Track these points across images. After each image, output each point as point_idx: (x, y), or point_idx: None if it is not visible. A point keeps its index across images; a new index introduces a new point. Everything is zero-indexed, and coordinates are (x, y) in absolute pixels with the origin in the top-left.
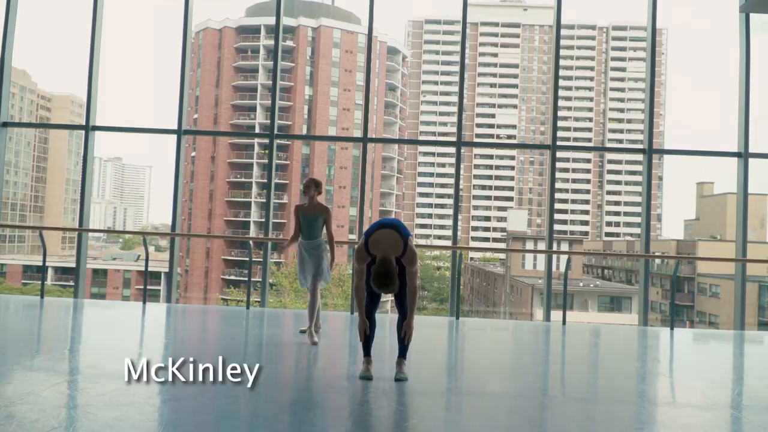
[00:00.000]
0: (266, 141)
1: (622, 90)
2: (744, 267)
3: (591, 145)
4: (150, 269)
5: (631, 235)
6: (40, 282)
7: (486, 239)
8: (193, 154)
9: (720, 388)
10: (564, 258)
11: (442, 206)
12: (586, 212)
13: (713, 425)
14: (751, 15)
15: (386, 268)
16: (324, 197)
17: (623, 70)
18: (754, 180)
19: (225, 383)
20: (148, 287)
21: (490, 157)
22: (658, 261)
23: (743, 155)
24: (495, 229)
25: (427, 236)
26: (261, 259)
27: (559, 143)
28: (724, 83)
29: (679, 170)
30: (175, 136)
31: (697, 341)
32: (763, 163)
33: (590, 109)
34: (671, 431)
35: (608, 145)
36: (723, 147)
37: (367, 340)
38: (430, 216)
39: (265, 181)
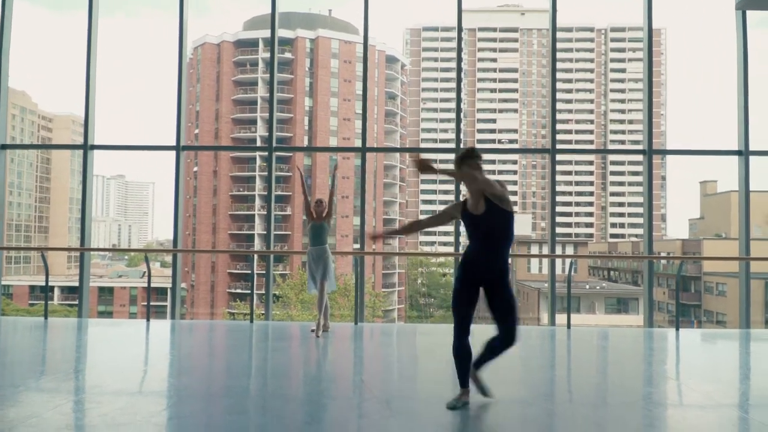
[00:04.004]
0: (266, 154)
1: (622, 91)
2: (748, 265)
3: (593, 147)
4: (156, 285)
5: (636, 235)
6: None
7: None
8: (196, 168)
9: (725, 389)
10: (569, 261)
11: None
12: (591, 214)
13: (719, 426)
14: (748, 12)
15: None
16: (332, 207)
17: (623, 71)
18: (758, 177)
19: (231, 398)
20: (155, 303)
21: (493, 162)
22: (663, 261)
23: (744, 153)
24: None
25: (432, 243)
26: (264, 272)
27: (559, 146)
28: (724, 81)
29: (683, 170)
30: (174, 153)
31: (702, 341)
32: (765, 161)
33: (591, 111)
34: None
35: (611, 146)
36: (725, 145)
37: (464, 369)
38: None
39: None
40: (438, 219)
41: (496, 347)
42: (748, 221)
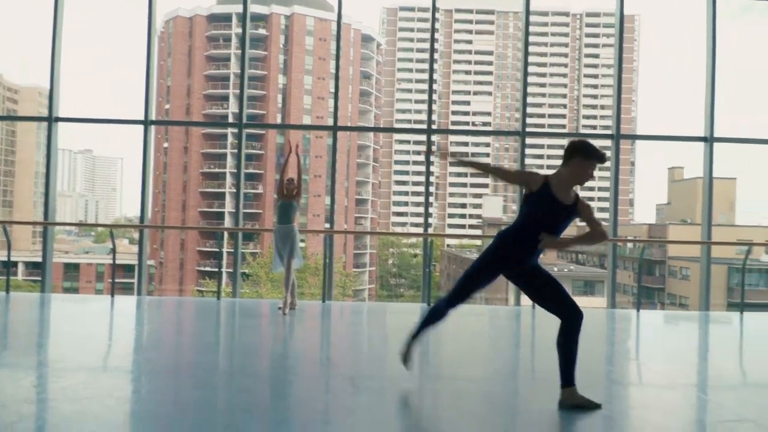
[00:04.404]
0: (237, 130)
1: (595, 76)
2: (709, 249)
3: (565, 131)
4: (124, 262)
5: (604, 220)
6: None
7: (462, 226)
8: (166, 145)
9: (681, 368)
10: None
11: (419, 194)
12: None
13: (676, 405)
14: (719, 2)
15: None
16: (300, 186)
17: (596, 56)
18: (722, 164)
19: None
20: (123, 280)
21: (466, 144)
22: (630, 245)
23: (709, 140)
24: (471, 216)
25: (404, 224)
26: (233, 250)
27: (531, 129)
28: (694, 69)
29: (652, 156)
30: (142, 127)
31: (661, 322)
32: (730, 148)
33: (564, 96)
34: (634, 410)
35: (582, 131)
36: (692, 132)
37: (427, 326)
38: (406, 204)
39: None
40: (508, 176)
41: (567, 339)
42: (710, 207)
